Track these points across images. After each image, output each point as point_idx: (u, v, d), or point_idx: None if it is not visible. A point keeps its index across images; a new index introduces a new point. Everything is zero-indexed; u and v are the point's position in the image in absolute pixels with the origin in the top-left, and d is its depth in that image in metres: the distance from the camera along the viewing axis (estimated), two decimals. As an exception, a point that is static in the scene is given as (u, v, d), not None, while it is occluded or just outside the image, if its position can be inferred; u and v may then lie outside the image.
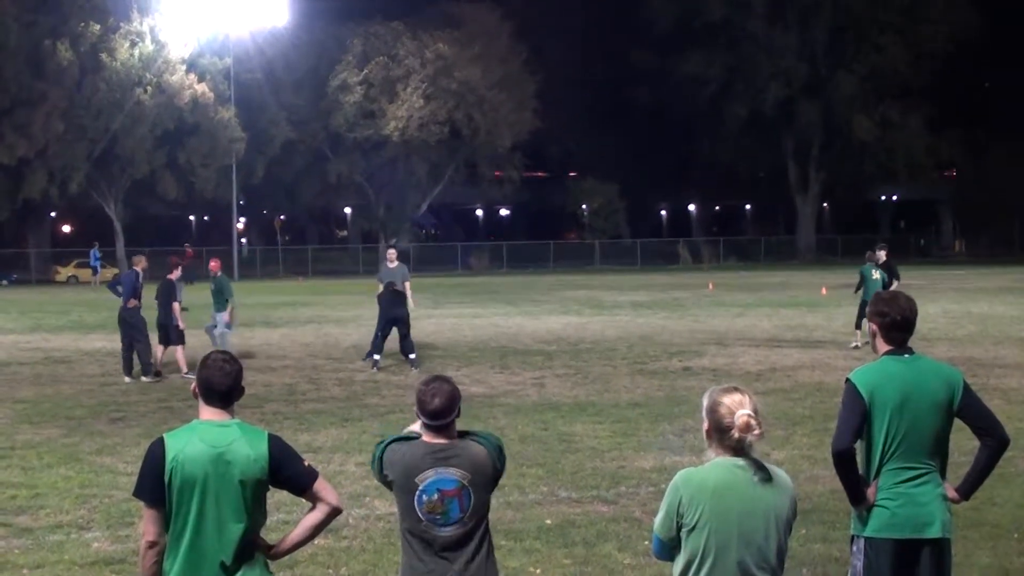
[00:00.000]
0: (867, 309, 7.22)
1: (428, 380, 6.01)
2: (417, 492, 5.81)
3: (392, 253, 26.24)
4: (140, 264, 23.81)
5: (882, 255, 28.11)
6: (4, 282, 74.06)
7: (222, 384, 5.73)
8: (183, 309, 24.34)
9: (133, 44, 74.78)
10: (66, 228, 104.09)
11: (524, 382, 21.59)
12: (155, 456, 5.62)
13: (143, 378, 22.38)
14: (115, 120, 73.70)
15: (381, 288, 24.61)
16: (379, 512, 11.77)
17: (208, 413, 5.75)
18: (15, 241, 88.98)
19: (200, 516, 5.56)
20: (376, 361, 23.84)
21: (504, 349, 27.58)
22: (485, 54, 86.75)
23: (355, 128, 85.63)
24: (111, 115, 73.64)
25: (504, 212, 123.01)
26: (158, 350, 23.88)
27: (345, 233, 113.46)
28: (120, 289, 23.14)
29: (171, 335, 23.71)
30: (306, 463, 5.82)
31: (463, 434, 5.99)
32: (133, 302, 22.65)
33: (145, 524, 5.68)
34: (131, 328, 22.58)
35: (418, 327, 27.37)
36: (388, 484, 6.00)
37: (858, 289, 27.83)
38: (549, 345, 28.70)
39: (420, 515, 5.82)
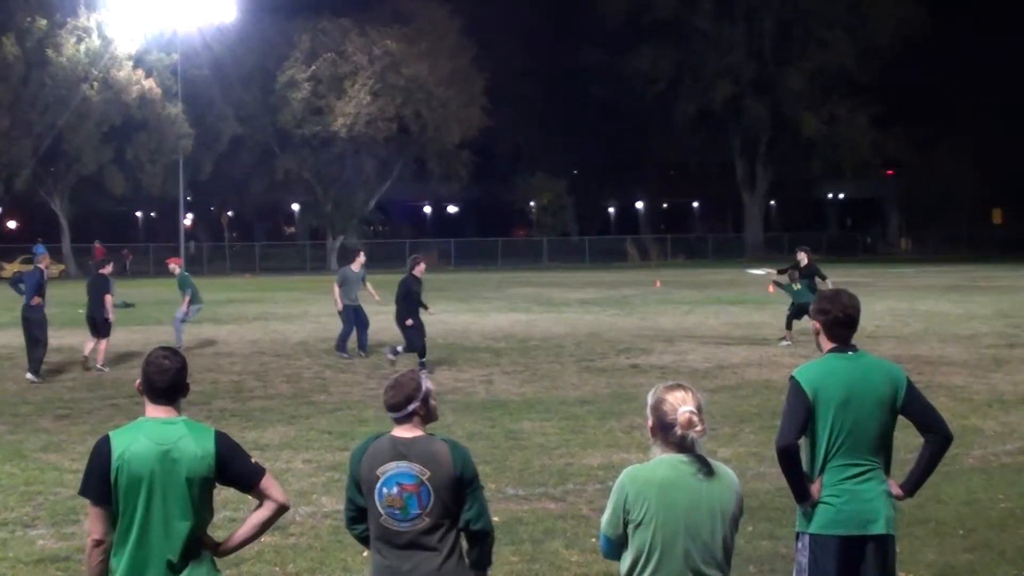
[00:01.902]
0: (810, 307, 7.27)
1: (395, 375, 6.12)
2: (378, 484, 5.84)
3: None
4: (44, 262, 23.76)
5: (803, 257, 28.20)
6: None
7: (161, 381, 5.72)
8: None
9: (80, 40, 74.25)
10: (11, 224, 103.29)
11: (472, 379, 21.58)
12: (101, 454, 5.61)
13: (28, 375, 22.02)
14: (61, 116, 73.17)
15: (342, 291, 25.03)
16: (326, 509, 11.76)
17: (154, 411, 5.74)
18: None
19: (147, 514, 5.54)
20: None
21: (452, 346, 27.58)
22: (434, 50, 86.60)
23: (303, 124, 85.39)
24: (57, 111, 73.11)
25: (452, 209, 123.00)
26: (88, 344, 24.14)
27: (293, 230, 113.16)
28: (23, 287, 22.83)
29: (100, 328, 23.88)
30: (253, 460, 5.81)
31: (432, 435, 6.00)
32: (37, 300, 22.43)
33: (91, 522, 5.67)
34: (33, 326, 22.40)
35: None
36: (356, 481, 6.02)
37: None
38: (497, 342, 28.72)
39: (380, 508, 5.85)
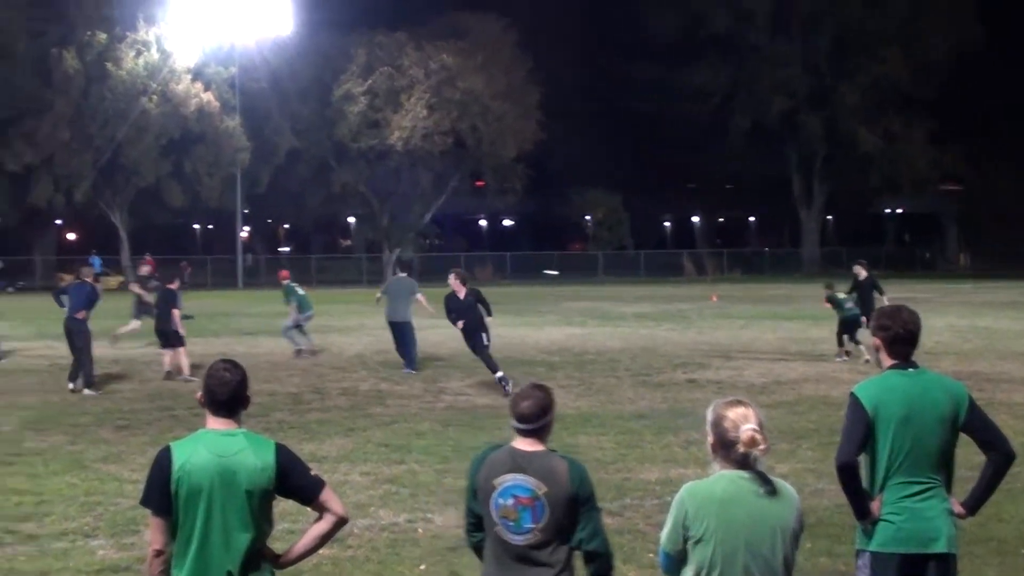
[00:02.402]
0: (871, 324, 7.23)
1: (526, 386, 6.15)
2: (494, 495, 5.88)
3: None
4: (90, 276, 23.91)
5: (860, 271, 27.97)
6: (10, 289, 74.03)
7: (222, 393, 5.75)
8: (186, 317, 24.72)
9: (139, 53, 74.90)
10: (71, 236, 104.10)
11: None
12: (162, 465, 5.65)
13: (85, 391, 22.03)
14: (120, 129, 73.79)
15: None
16: (383, 522, 11.79)
17: (214, 422, 5.78)
18: (21, 248, 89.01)
19: (206, 525, 5.58)
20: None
21: (508, 360, 27.51)
22: (489, 64, 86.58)
23: (359, 138, 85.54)
24: (117, 124, 73.73)
25: (508, 222, 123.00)
26: (165, 358, 24.40)
27: (349, 243, 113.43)
28: (64, 299, 22.92)
29: (171, 339, 24.25)
30: (313, 472, 5.84)
31: (553, 451, 6.02)
32: (83, 313, 22.52)
33: (152, 532, 5.71)
34: (75, 337, 22.49)
35: (422, 338, 27.38)
36: (473, 490, 6.06)
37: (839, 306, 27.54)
38: (552, 356, 28.71)
39: (495, 519, 5.89)
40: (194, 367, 23.94)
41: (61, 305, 23.12)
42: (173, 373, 24.18)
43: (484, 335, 22.33)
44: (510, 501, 5.83)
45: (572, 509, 5.85)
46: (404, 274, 27.47)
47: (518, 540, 5.83)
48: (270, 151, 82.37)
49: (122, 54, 74.15)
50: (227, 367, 5.83)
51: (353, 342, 32.85)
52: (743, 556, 5.37)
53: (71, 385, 22.22)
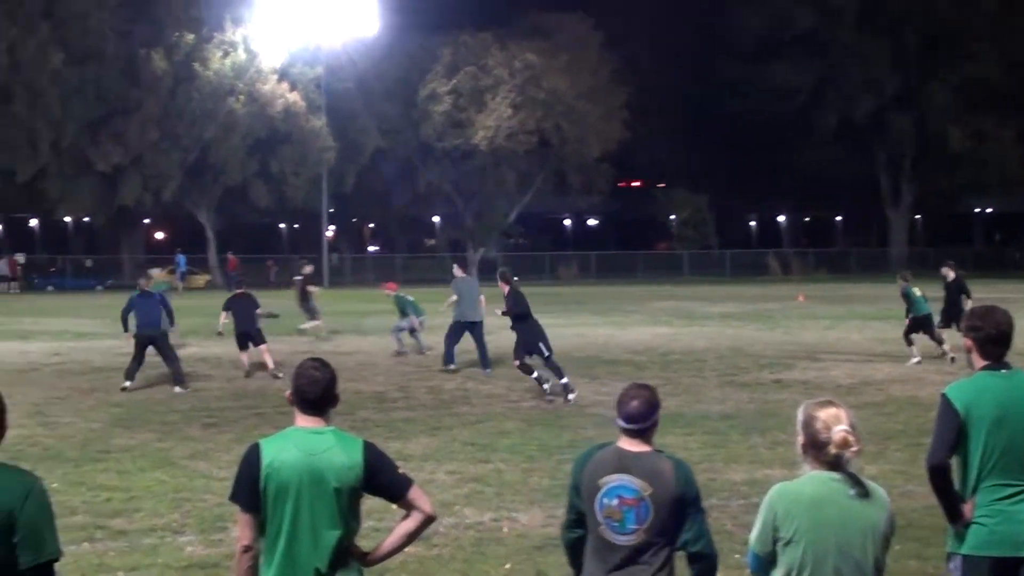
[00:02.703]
0: (962, 324, 7.15)
1: (630, 385, 6.11)
2: (599, 495, 5.87)
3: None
4: (148, 284, 24.39)
5: (948, 273, 27.62)
6: (98, 287, 74.94)
7: (312, 392, 5.77)
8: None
9: (226, 54, 75.57)
10: (159, 235, 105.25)
11: (613, 392, 21.22)
12: (251, 462, 5.69)
13: (176, 388, 22.34)
14: (208, 129, 74.49)
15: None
16: (469, 521, 11.82)
17: (303, 420, 5.79)
18: (110, 247, 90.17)
19: (294, 523, 5.60)
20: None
21: (593, 359, 27.54)
22: (574, 64, 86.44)
23: (444, 137, 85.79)
24: (204, 124, 74.41)
25: (593, 222, 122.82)
26: (266, 357, 24.82)
27: (434, 242, 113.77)
28: (131, 320, 23.03)
29: (256, 338, 24.61)
30: (400, 471, 5.85)
31: (660, 451, 6.00)
32: (164, 323, 22.84)
33: (240, 528, 5.75)
34: (160, 345, 22.68)
35: (506, 336, 27.36)
36: (576, 488, 6.05)
37: (908, 313, 27.10)
38: (638, 355, 28.64)
39: (599, 518, 5.88)
40: (278, 364, 24.23)
41: (126, 329, 23.26)
42: (252, 372, 24.44)
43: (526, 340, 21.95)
44: (615, 501, 5.82)
45: (677, 510, 5.83)
46: (466, 275, 27.54)
47: (622, 540, 5.82)
48: (356, 151, 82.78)
49: (209, 54, 74.85)
50: (316, 366, 5.85)
51: (438, 341, 32.88)
52: (834, 558, 5.32)
53: (177, 389, 22.40)
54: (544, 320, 23.53)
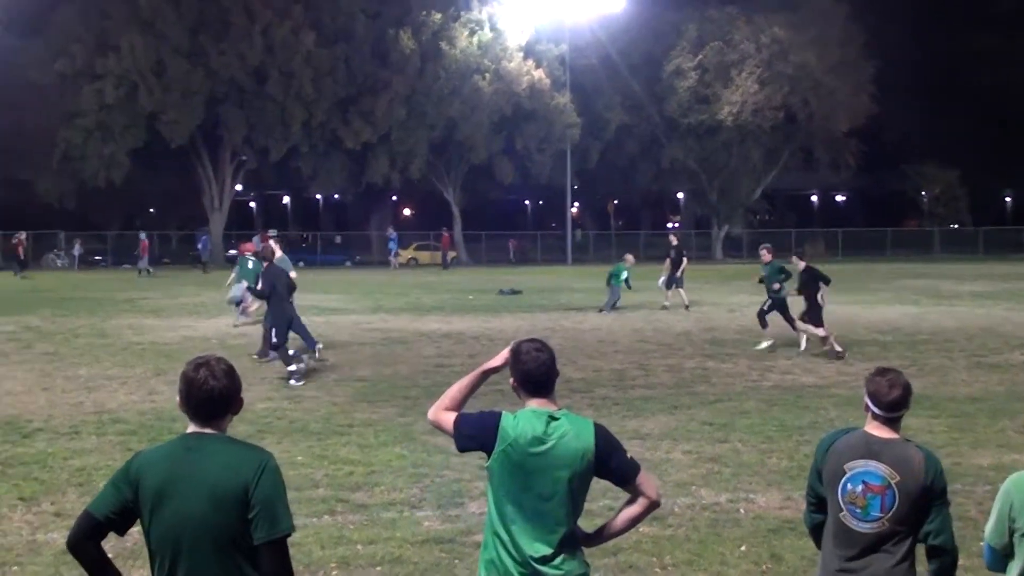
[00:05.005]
0: None
1: (883, 370, 5.95)
2: (843, 480, 5.79)
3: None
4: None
5: None
6: (347, 263, 76.67)
7: (539, 373, 5.75)
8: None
9: (472, 32, 76.62)
10: (406, 211, 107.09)
11: (858, 372, 20.95)
12: (495, 419, 5.70)
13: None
14: (454, 107, 75.58)
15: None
16: (704, 501, 11.70)
17: (534, 402, 5.77)
18: (359, 223, 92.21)
19: (520, 503, 5.57)
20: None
21: (838, 339, 27.08)
22: (821, 38, 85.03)
23: (689, 113, 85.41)
24: (450, 102, 75.56)
25: (840, 198, 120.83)
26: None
27: (678, 218, 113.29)
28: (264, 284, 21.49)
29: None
30: (629, 455, 5.79)
31: (909, 440, 5.90)
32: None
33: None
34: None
35: (748, 314, 27.15)
36: (818, 471, 5.98)
37: None
38: (884, 335, 28.07)
39: (841, 504, 5.80)
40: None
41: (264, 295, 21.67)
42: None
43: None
44: (859, 487, 5.72)
45: (923, 501, 5.69)
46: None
47: (864, 527, 5.72)
48: (600, 127, 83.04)
49: (456, 33, 75.95)
50: (538, 347, 5.82)
51: (680, 319, 32.78)
52: (1080, 553, 5.11)
53: (314, 355, 23.07)
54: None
